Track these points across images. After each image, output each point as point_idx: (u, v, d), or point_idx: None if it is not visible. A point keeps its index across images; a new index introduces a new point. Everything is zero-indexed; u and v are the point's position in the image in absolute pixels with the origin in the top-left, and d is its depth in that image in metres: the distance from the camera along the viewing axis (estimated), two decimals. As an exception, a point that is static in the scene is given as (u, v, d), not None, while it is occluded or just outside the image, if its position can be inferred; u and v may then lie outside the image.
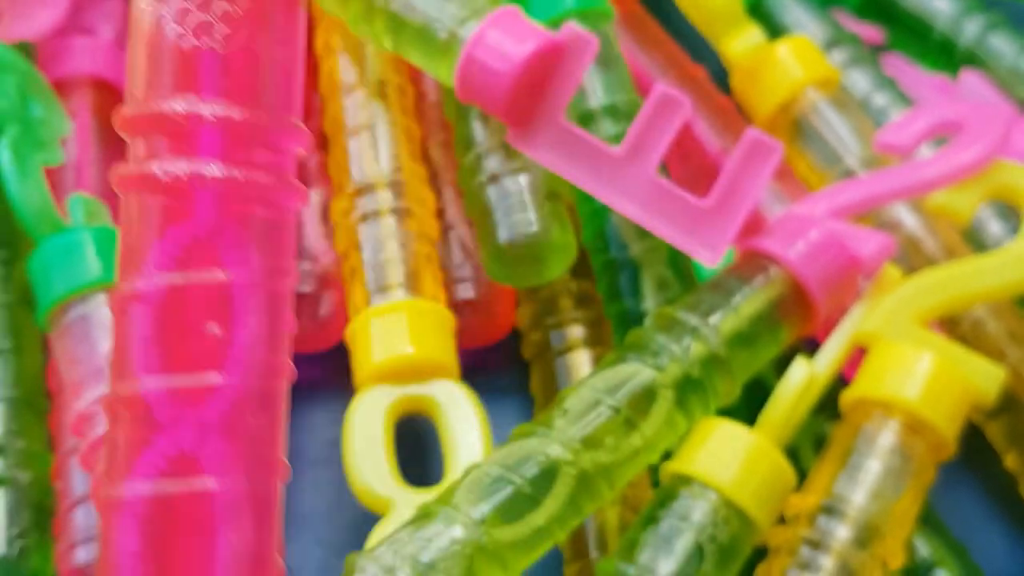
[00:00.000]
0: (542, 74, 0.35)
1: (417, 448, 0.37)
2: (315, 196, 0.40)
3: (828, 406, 0.34)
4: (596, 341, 0.38)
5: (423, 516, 0.29)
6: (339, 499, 0.37)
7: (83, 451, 0.33)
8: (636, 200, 0.35)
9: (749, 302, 0.32)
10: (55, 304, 0.35)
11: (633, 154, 0.35)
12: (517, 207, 0.36)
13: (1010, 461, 0.36)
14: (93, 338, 0.35)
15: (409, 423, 0.36)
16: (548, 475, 0.29)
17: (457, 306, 0.38)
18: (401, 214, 0.37)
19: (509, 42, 0.34)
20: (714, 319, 0.32)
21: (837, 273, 0.33)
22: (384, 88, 0.39)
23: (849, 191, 0.35)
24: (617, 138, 0.35)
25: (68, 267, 0.36)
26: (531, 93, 0.35)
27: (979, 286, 0.33)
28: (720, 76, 0.42)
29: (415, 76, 0.42)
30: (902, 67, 0.44)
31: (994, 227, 0.39)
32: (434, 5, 0.36)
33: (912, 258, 0.37)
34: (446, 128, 0.41)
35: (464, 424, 0.34)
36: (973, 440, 0.36)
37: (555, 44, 0.34)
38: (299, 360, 0.37)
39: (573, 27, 0.35)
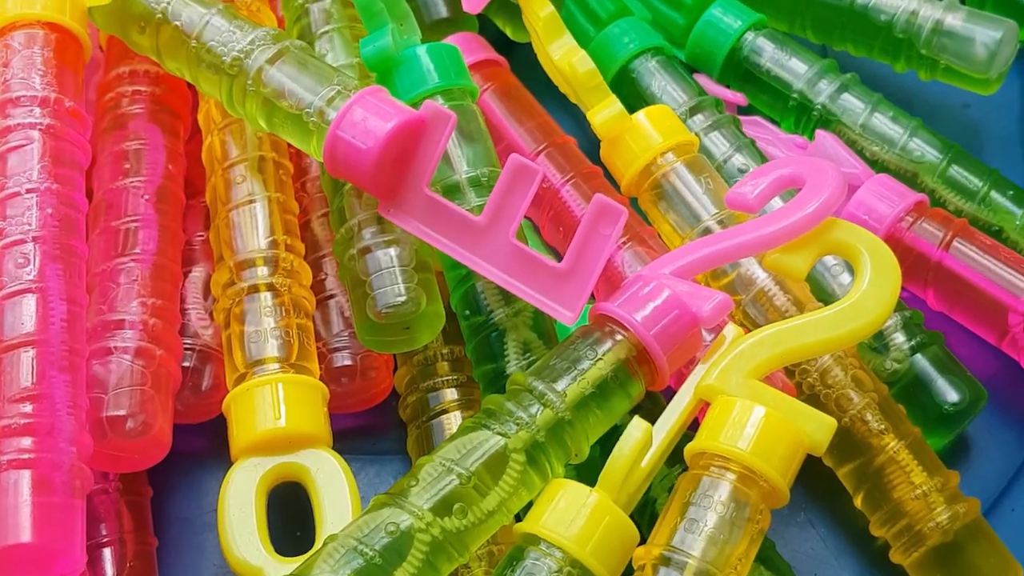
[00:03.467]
0: (406, 148, 0.37)
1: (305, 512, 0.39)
2: (199, 272, 0.41)
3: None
4: (470, 403, 0.40)
5: (283, 588, 0.31)
6: (226, 563, 0.38)
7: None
8: (497, 264, 0.37)
9: (596, 366, 0.34)
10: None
11: (494, 221, 0.37)
12: (387, 278, 0.38)
13: (859, 502, 0.38)
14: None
15: (298, 489, 0.38)
16: (400, 544, 0.31)
17: (335, 373, 0.40)
18: (276, 289, 0.39)
19: (372, 120, 0.36)
20: (561, 384, 0.34)
21: (679, 333, 0.35)
22: (262, 164, 0.41)
23: (695, 251, 0.37)
24: (481, 208, 0.37)
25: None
26: (396, 166, 0.37)
27: (811, 340, 0.35)
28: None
29: (298, 152, 0.44)
30: (763, 128, 0.46)
31: (845, 279, 0.41)
32: (303, 86, 0.38)
33: (768, 312, 0.39)
34: (327, 202, 0.43)
35: (333, 489, 0.36)
36: (824, 481, 0.38)
37: (416, 120, 0.37)
38: (185, 430, 0.39)
39: (432, 104, 0.37)
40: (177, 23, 0.40)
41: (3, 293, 0.33)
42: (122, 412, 0.35)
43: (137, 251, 0.38)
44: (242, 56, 0.39)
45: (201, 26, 0.39)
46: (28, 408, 0.32)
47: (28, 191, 0.35)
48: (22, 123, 0.36)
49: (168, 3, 0.40)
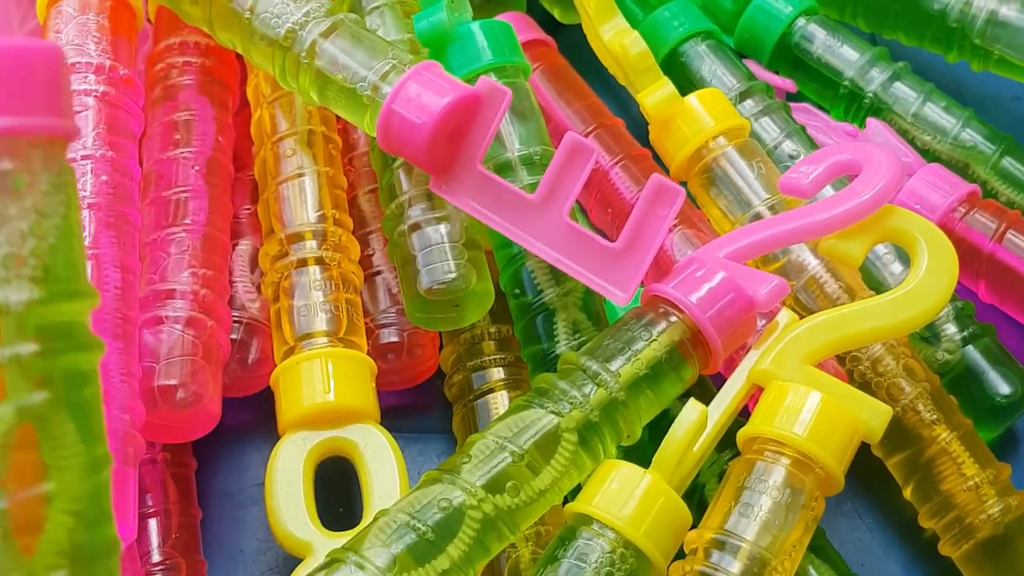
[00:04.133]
0: (460, 124, 0.37)
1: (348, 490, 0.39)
2: (245, 245, 0.41)
3: (735, 443, 0.35)
4: (516, 383, 0.39)
5: (332, 562, 0.30)
6: (268, 538, 0.38)
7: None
8: (550, 243, 0.36)
9: (650, 347, 0.34)
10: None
11: (547, 199, 0.36)
12: (437, 255, 0.38)
13: (908, 493, 0.38)
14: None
15: (341, 466, 0.38)
16: (451, 521, 0.31)
17: (382, 349, 0.40)
18: (325, 263, 0.39)
19: (427, 95, 0.36)
20: (615, 365, 0.34)
21: (734, 316, 0.35)
22: (312, 138, 0.41)
23: (748, 235, 0.37)
24: (533, 187, 0.37)
25: None
26: (450, 142, 0.37)
27: (866, 327, 0.35)
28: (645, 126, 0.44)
29: (346, 127, 0.43)
30: (813, 115, 0.45)
31: (896, 268, 0.41)
32: (357, 60, 0.37)
33: (819, 299, 0.39)
34: (375, 178, 0.42)
35: (381, 465, 0.35)
36: (871, 471, 0.38)
37: (471, 96, 0.36)
38: (229, 404, 0.39)
39: (488, 80, 0.37)
40: (230, -6, 0.39)
41: (58, 258, 0.33)
42: (173, 382, 0.35)
43: (187, 221, 0.38)
44: (296, 28, 0.38)
45: (254, -3, 0.39)
46: (82, 374, 0.31)
47: (83, 157, 0.35)
48: (77, 89, 0.36)
49: (221, -26, 0.39)
